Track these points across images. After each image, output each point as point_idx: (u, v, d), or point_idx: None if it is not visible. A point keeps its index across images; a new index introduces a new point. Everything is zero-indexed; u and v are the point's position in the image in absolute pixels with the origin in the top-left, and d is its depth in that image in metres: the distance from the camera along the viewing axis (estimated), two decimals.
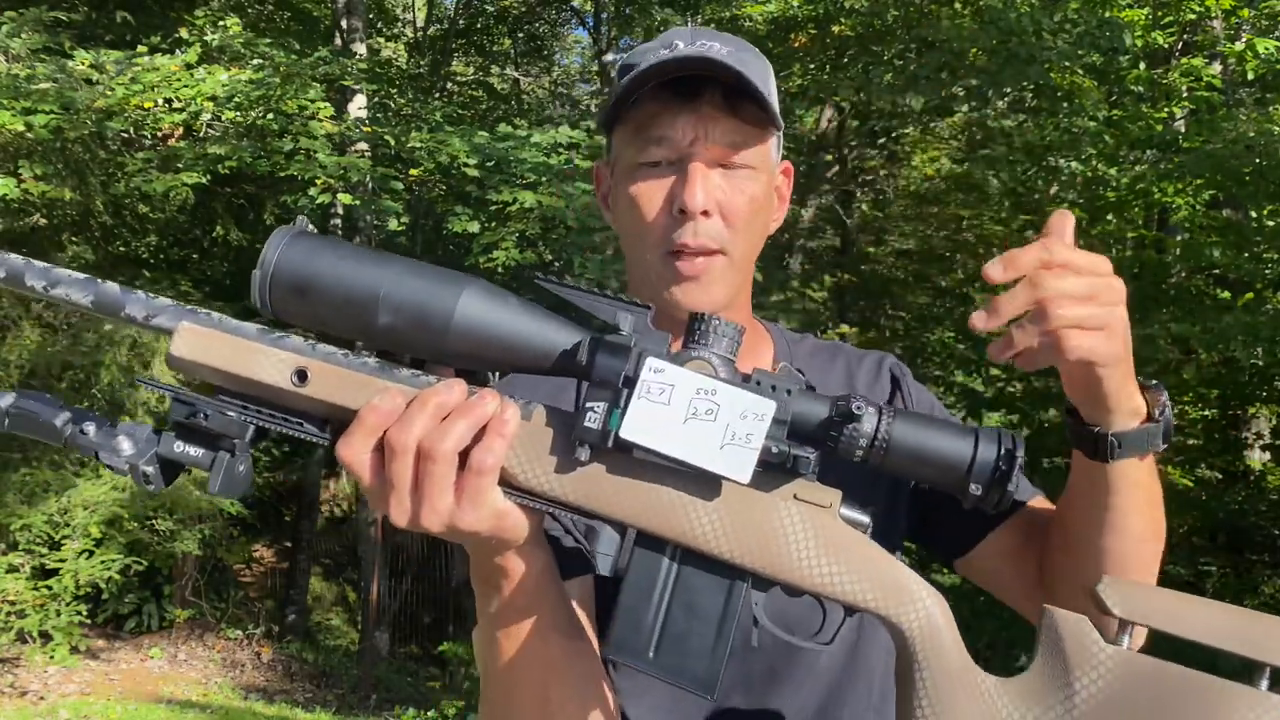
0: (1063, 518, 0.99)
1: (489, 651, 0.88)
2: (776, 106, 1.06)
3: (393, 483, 0.73)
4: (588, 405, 0.74)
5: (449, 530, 0.74)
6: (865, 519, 0.79)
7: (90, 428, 0.77)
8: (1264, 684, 0.74)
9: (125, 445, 0.77)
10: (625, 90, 1.02)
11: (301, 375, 0.76)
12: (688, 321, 0.78)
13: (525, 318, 0.76)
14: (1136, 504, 0.91)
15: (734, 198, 1.03)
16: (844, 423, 0.75)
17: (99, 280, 0.79)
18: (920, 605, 0.78)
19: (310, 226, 0.79)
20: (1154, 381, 0.90)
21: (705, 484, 0.76)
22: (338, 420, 0.77)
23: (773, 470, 0.76)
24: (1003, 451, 0.74)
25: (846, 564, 0.77)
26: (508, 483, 0.76)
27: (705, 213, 1.02)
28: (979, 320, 0.79)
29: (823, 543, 0.77)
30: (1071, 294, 0.79)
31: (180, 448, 0.77)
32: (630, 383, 0.73)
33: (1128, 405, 0.87)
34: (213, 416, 0.76)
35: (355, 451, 0.74)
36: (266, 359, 0.76)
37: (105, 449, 0.77)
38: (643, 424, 0.72)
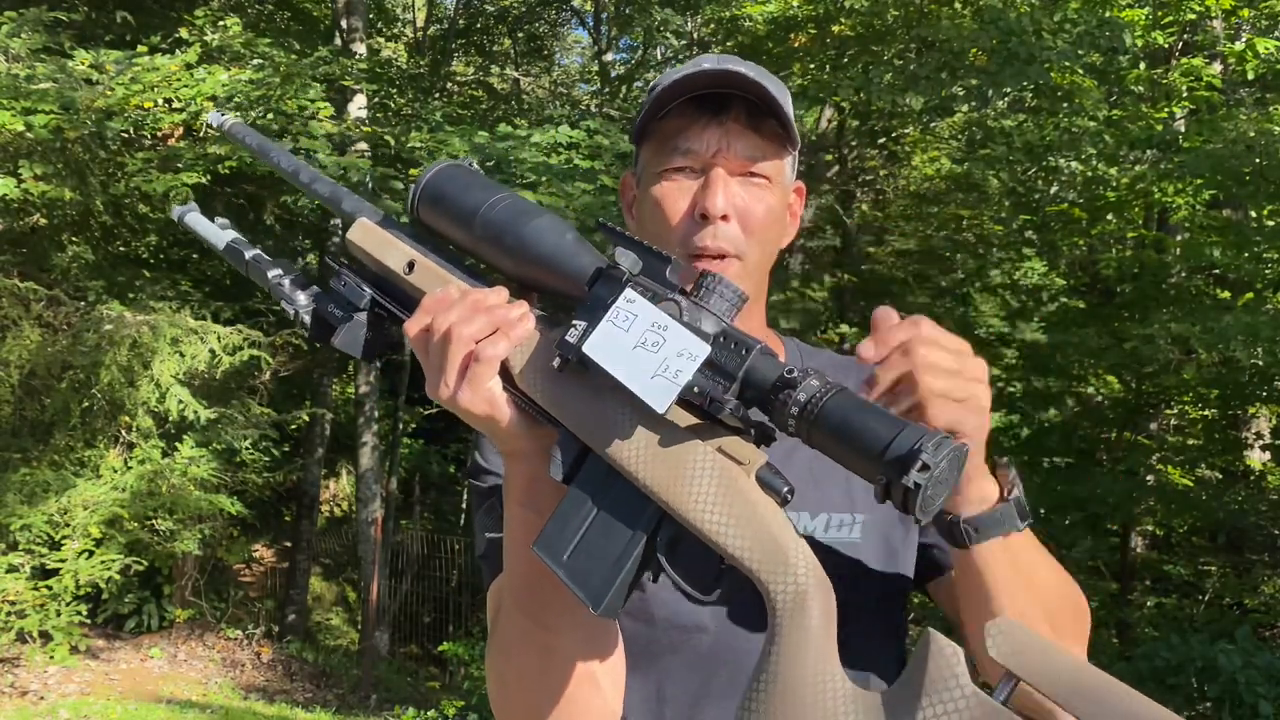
0: (958, 594, 1.02)
1: (505, 566, 0.97)
2: (795, 127, 1.12)
3: (427, 358, 0.87)
4: (573, 322, 0.83)
5: (452, 404, 0.86)
6: (783, 487, 0.80)
7: (287, 281, 1.00)
8: None
9: (301, 298, 0.99)
10: (656, 103, 1.09)
11: (410, 265, 0.94)
12: (698, 276, 0.84)
13: (569, 249, 0.88)
14: (1010, 585, 0.93)
15: (752, 205, 1.09)
16: (783, 388, 0.78)
17: (339, 184, 1.04)
18: (793, 577, 0.76)
19: (473, 164, 0.98)
20: (1004, 459, 0.93)
21: (644, 414, 0.82)
22: None
23: (710, 423, 0.82)
24: (916, 448, 0.70)
25: (735, 516, 0.79)
26: (510, 380, 0.87)
27: (725, 217, 1.07)
28: (864, 351, 0.84)
29: (721, 491, 0.80)
30: (938, 365, 0.83)
31: (329, 307, 0.98)
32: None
33: (978, 490, 0.90)
34: (348, 284, 0.97)
35: (412, 327, 0.88)
36: (395, 249, 0.96)
37: (289, 299, 0.99)
38: (602, 343, 0.81)
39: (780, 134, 1.10)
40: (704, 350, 0.79)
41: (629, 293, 0.82)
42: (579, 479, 0.85)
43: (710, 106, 1.08)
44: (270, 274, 1.01)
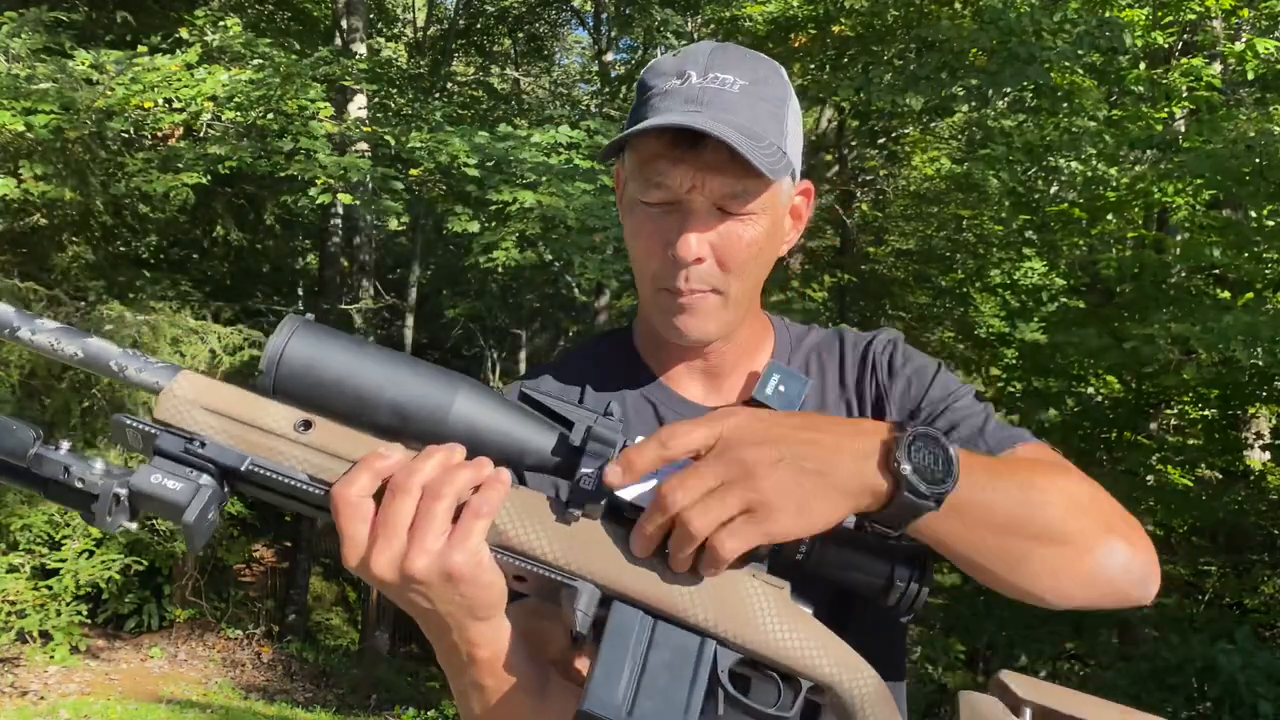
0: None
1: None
2: (789, 145, 1.04)
3: (389, 522, 0.76)
4: (583, 470, 0.79)
5: (435, 569, 0.76)
6: (808, 609, 0.85)
7: (64, 445, 0.73)
8: None
9: (98, 464, 0.73)
10: (623, 135, 1.01)
11: (306, 424, 0.78)
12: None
13: (516, 414, 0.82)
14: (969, 544, 0.85)
15: (730, 243, 1.02)
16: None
17: (89, 333, 0.78)
18: (869, 673, 0.85)
19: (312, 317, 0.81)
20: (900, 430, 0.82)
21: None
22: (328, 475, 0.78)
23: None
24: (915, 574, 0.84)
25: (808, 634, 0.83)
26: (492, 541, 0.80)
27: (699, 259, 1.01)
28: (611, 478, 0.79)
29: (786, 614, 0.83)
30: (695, 502, 0.77)
31: (158, 479, 0.73)
32: None
33: (855, 498, 0.80)
34: (209, 445, 0.75)
35: (356, 491, 0.76)
36: (271, 407, 0.78)
37: (76, 464, 0.73)
38: (634, 486, 0.80)
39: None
40: None
41: (640, 439, 0.81)
42: (612, 628, 0.80)
43: (685, 138, 0.97)
44: (33, 434, 0.73)
